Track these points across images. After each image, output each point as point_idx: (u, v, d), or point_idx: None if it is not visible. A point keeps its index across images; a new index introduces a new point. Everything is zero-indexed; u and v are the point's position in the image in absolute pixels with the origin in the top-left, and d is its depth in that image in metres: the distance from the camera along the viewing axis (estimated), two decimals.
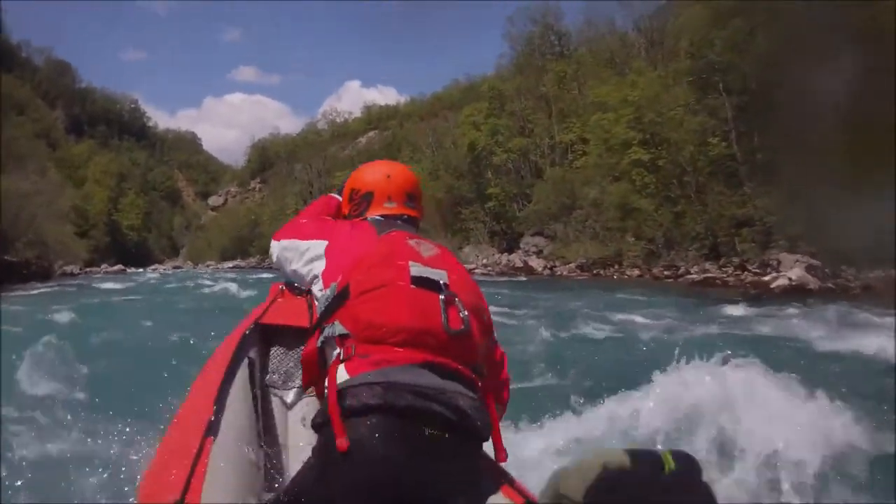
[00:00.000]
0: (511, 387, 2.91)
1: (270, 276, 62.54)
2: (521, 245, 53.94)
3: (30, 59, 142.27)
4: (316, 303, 2.65)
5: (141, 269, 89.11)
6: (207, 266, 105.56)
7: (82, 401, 9.61)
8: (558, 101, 58.17)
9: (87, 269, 73.16)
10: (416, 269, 2.39)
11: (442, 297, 2.34)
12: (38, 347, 11.72)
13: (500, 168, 58.86)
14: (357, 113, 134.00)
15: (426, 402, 2.14)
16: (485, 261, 54.51)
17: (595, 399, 9.16)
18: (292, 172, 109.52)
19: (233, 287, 34.74)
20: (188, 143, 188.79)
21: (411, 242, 2.53)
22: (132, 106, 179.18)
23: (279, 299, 3.70)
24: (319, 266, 2.68)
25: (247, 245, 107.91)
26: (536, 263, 49.13)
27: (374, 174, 3.00)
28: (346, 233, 2.74)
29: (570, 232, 47.97)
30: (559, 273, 45.37)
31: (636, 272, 40.08)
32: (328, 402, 2.19)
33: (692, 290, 29.98)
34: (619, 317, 20.01)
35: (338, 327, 2.33)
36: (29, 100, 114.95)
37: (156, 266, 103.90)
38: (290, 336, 3.46)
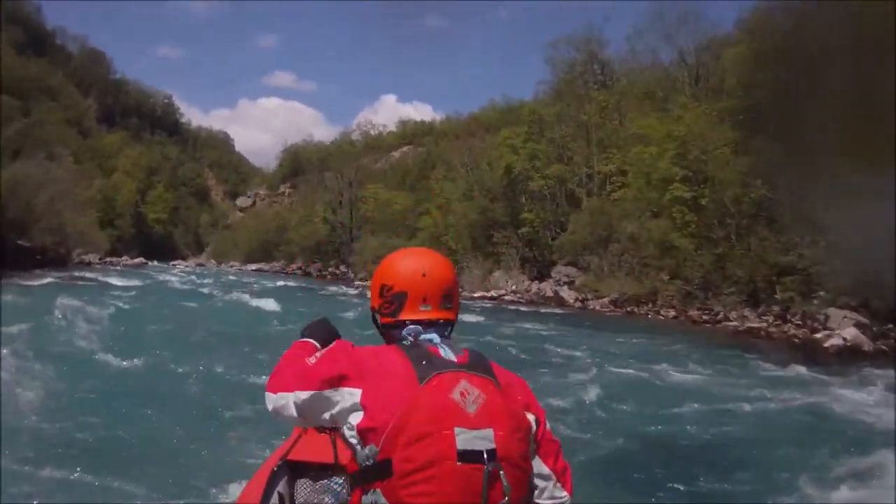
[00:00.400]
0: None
1: (294, 284, 62.61)
2: (553, 274, 52.91)
3: (65, 46, 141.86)
4: (345, 442, 2.49)
5: (162, 264, 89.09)
6: (231, 266, 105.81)
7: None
8: (598, 131, 57.19)
9: (108, 260, 73.34)
10: (463, 439, 2.27)
11: (487, 469, 2.26)
12: None
13: (536, 194, 57.78)
14: (392, 127, 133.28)
15: None
16: (514, 287, 53.66)
17: (625, 455, 9.49)
18: (323, 180, 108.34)
19: (254, 299, 34.19)
20: (220, 143, 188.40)
21: (455, 395, 2.34)
22: (166, 101, 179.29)
23: (304, 436, 3.78)
24: (354, 418, 2.41)
25: (272, 249, 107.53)
26: (568, 295, 48.29)
27: (408, 271, 2.74)
28: (380, 375, 2.42)
29: (605, 265, 46.98)
30: (591, 307, 44.54)
31: (671, 313, 39.18)
32: None
33: (733, 340, 29.05)
34: (657, 364, 19.50)
35: (381, 499, 2.26)
36: (62, 86, 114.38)
37: (178, 262, 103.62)
38: (315, 469, 3.53)
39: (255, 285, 54.49)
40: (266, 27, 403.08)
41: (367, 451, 2.32)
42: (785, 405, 14.67)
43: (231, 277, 66.61)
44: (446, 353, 2.50)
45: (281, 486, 3.42)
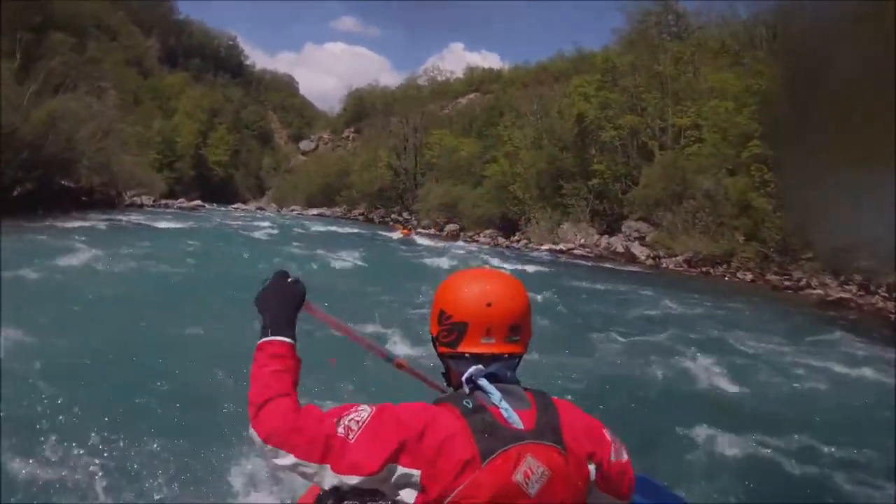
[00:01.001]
0: None
1: (355, 230, 61.77)
2: (623, 229, 51.72)
3: None
4: None
5: (220, 207, 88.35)
6: (292, 210, 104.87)
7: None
8: (673, 83, 55.28)
9: (164, 202, 71.77)
10: None
11: None
12: None
13: (607, 145, 56.33)
14: (459, 74, 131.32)
15: None
16: (582, 241, 52.64)
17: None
18: (388, 125, 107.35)
19: (311, 246, 33.22)
20: (285, 86, 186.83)
21: (518, 477, 2.18)
22: (230, 42, 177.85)
23: None
24: (409, 495, 2.23)
25: (334, 194, 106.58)
26: (639, 251, 47.14)
27: (470, 299, 2.50)
28: (437, 451, 2.19)
29: (679, 222, 45.58)
30: (664, 265, 43.33)
31: (749, 276, 37.88)
32: None
33: (818, 310, 27.45)
34: (735, 331, 18.76)
35: None
36: (122, 25, 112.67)
37: (238, 205, 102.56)
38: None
39: (314, 230, 53.81)
40: None
41: None
42: (871, 386, 13.66)
43: (288, 222, 65.84)
44: (510, 415, 2.30)
45: None
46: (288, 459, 2.27)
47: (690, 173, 46.78)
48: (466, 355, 2.48)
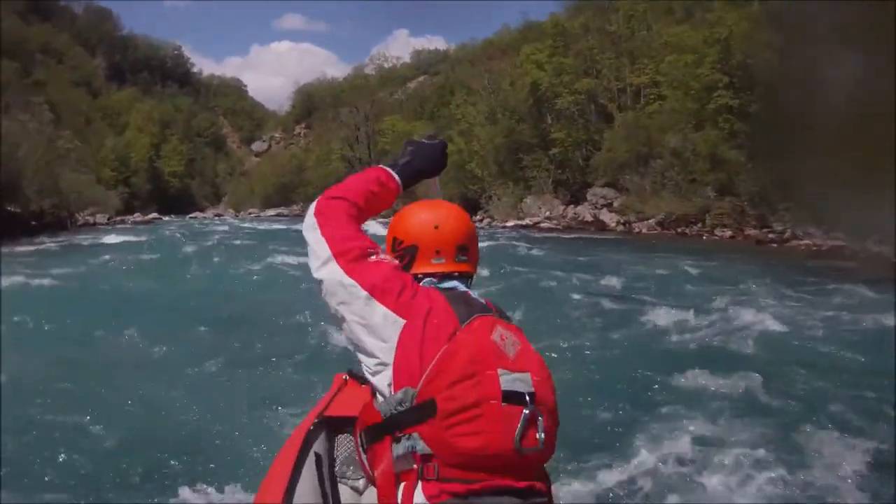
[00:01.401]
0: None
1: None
2: (589, 197, 49.78)
3: (68, 6, 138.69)
4: (372, 389, 2.45)
5: (177, 217, 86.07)
6: (249, 213, 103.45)
7: None
8: (627, 42, 53.87)
9: (119, 219, 68.92)
10: (506, 380, 2.23)
11: (526, 412, 2.21)
12: None
13: (564, 112, 54.27)
14: (406, 59, 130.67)
15: None
16: (548, 213, 50.60)
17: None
18: (338, 117, 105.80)
19: (254, 249, 30.80)
20: (233, 90, 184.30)
21: (495, 337, 2.30)
22: (175, 52, 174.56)
23: (343, 390, 3.53)
24: (385, 354, 2.33)
25: (290, 192, 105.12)
26: (609, 218, 45.26)
27: (418, 223, 2.64)
28: (423, 314, 2.33)
29: (647, 184, 43.81)
30: (637, 230, 41.31)
31: (727, 233, 36.08)
32: None
33: (811, 261, 25.39)
34: (721, 291, 16.71)
35: (419, 444, 2.20)
36: (67, 47, 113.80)
37: (196, 214, 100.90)
38: (355, 424, 2.88)
39: (268, 231, 51.75)
40: None
41: (400, 394, 2.26)
42: (876, 332, 12.42)
43: (244, 225, 63.53)
44: (477, 297, 2.49)
45: (318, 445, 3.15)
46: (315, 235, 2.45)
47: (655, 132, 45.13)
48: (420, 276, 2.54)
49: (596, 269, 21.94)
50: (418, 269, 2.55)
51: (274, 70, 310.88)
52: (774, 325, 12.73)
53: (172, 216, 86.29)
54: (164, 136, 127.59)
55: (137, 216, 75.11)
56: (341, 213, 2.49)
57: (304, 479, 2.92)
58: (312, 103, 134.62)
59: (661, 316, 13.52)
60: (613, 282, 19.07)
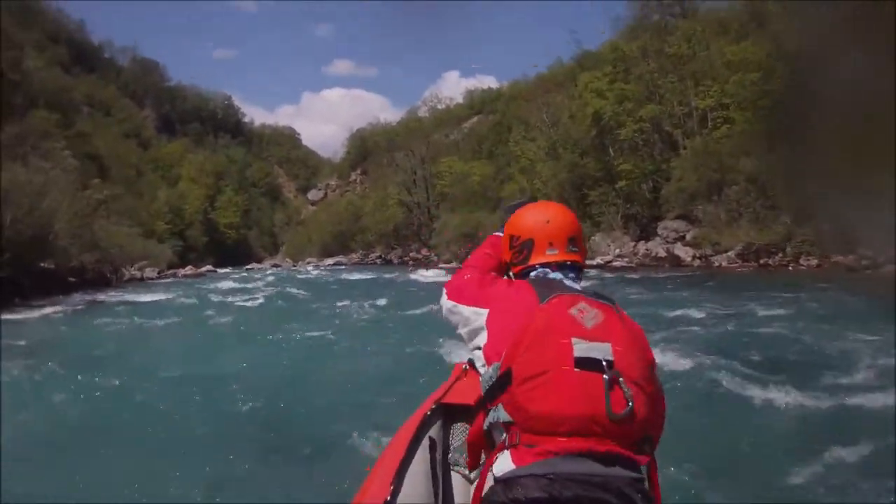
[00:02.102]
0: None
1: (370, 276, 57.48)
2: (660, 231, 47.30)
3: (113, 59, 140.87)
4: (475, 370, 2.76)
5: (234, 269, 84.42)
6: (307, 263, 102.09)
7: None
8: (689, 63, 51.40)
9: (171, 272, 67.43)
10: (580, 348, 2.28)
11: (606, 377, 2.24)
12: None
13: (628, 142, 52.11)
14: (459, 99, 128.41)
15: (592, 493, 2.15)
16: (618, 251, 48.15)
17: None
18: (393, 161, 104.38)
19: (317, 302, 28.78)
20: (287, 139, 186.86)
21: (573, 311, 2.36)
22: (226, 102, 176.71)
23: (462, 378, 3.59)
24: (481, 339, 2.68)
25: (348, 240, 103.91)
26: (684, 252, 42.69)
27: (532, 220, 2.92)
28: (506, 299, 2.68)
29: (722, 213, 41.33)
30: (716, 264, 38.79)
31: (813, 261, 33.48)
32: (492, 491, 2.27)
33: None
34: (817, 331, 14.75)
35: (502, 413, 2.33)
36: (114, 100, 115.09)
37: (252, 265, 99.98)
38: (472, 413, 3.01)
39: (326, 280, 49.92)
40: (320, 16, 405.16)
41: (490, 370, 2.43)
42: None
43: (301, 276, 61.54)
44: (571, 283, 2.64)
45: (434, 431, 3.23)
46: (448, 303, 2.88)
47: (726, 157, 42.74)
48: (537, 266, 2.79)
49: (677, 308, 20.02)
50: (535, 259, 2.81)
51: (326, 117, 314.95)
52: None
53: (229, 268, 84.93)
54: (218, 187, 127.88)
55: (189, 269, 73.35)
56: (462, 275, 2.95)
57: (417, 462, 2.93)
58: (367, 148, 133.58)
59: (744, 358, 11.99)
60: (698, 324, 17.15)
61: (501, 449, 2.26)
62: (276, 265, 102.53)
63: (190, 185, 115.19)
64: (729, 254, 38.78)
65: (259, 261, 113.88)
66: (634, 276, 37.47)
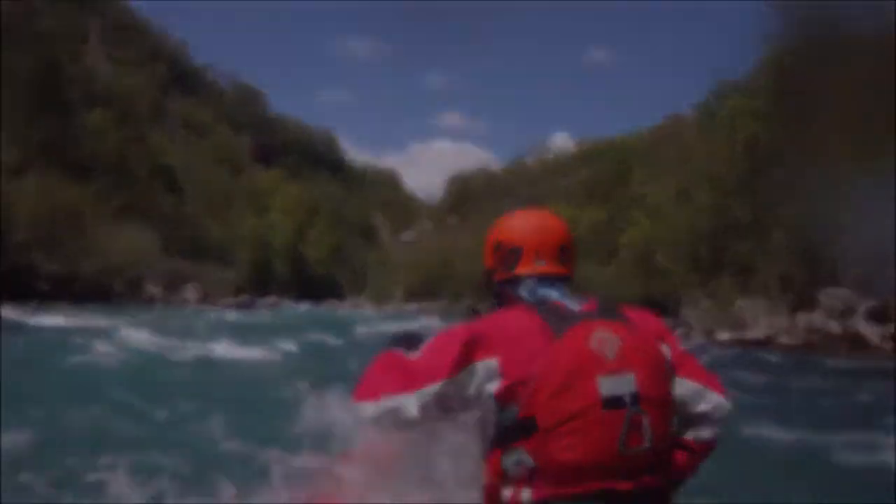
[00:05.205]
0: None
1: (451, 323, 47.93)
2: (821, 299, 34.84)
3: (216, 82, 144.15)
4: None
5: (298, 303, 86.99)
6: (389, 306, 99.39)
7: None
8: None
9: (232, 300, 68.36)
10: (606, 386, 2.27)
11: (628, 413, 2.26)
12: None
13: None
14: (569, 148, 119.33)
15: None
16: (769, 323, 36.07)
17: None
18: (494, 208, 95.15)
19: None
20: (388, 179, 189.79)
21: (593, 344, 2.33)
22: (328, 137, 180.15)
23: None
24: (491, 386, 2.39)
25: (437, 285, 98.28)
26: (870, 331, 30.71)
27: (521, 227, 2.81)
28: (512, 337, 2.41)
29: None
30: None
31: None
32: None
33: None
34: None
35: (524, 457, 2.28)
36: (211, 123, 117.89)
37: (332, 300, 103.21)
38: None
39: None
40: (432, 64, 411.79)
41: (506, 412, 2.33)
42: None
43: (375, 321, 51.83)
44: (573, 304, 2.50)
45: None
46: (372, 407, 2.44)
47: None
48: (524, 277, 2.67)
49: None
50: (522, 269, 2.69)
51: (431, 166, 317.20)
52: None
53: (308, 302, 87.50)
54: (310, 221, 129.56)
55: (245, 297, 74.04)
56: (385, 369, 2.61)
57: None
58: (467, 192, 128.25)
59: None
60: None
61: (520, 486, 2.25)
62: (356, 305, 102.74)
63: (280, 216, 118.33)
64: None
65: (340, 299, 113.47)
66: (805, 359, 26.49)
